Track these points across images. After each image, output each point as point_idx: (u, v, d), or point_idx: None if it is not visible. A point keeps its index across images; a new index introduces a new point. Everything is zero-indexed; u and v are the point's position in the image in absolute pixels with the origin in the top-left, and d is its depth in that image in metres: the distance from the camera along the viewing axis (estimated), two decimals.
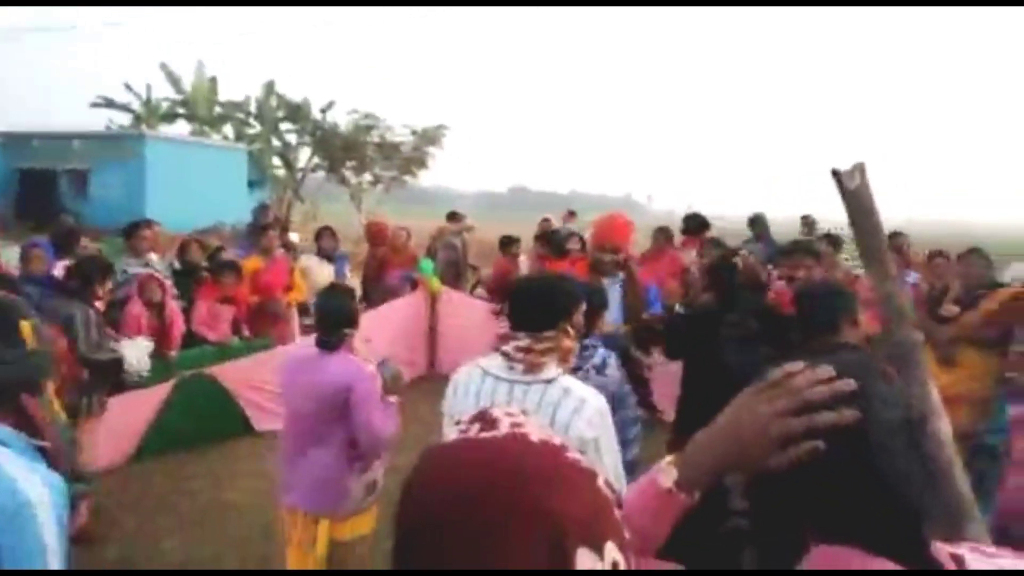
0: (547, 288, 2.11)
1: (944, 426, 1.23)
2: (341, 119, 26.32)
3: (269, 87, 26.64)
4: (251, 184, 24.59)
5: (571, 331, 2.06)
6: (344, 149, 25.67)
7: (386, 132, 25.48)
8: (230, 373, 5.42)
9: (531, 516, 0.61)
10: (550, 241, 5.10)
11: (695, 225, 7.04)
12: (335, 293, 2.93)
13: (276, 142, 27.37)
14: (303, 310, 6.28)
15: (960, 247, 4.96)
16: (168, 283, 5.31)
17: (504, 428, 0.69)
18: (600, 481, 0.69)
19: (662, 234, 7.05)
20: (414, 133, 25.82)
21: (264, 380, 5.58)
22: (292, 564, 2.75)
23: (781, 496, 0.85)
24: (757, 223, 7.58)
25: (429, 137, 26.11)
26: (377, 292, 7.22)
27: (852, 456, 0.79)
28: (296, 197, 26.93)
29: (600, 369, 2.50)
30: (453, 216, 9.49)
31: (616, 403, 2.27)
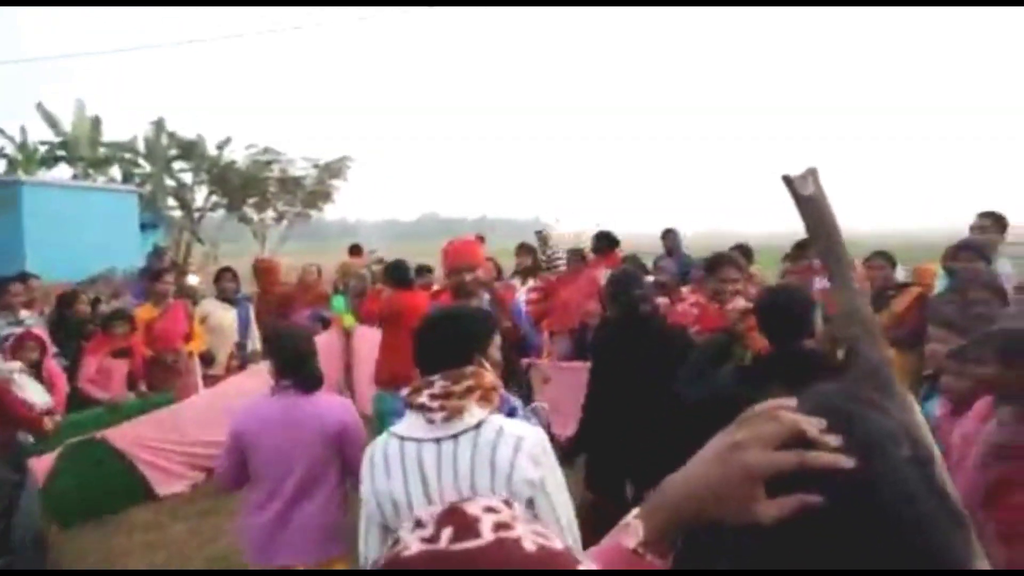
0: (454, 318, 1.92)
1: (938, 454, 1.12)
2: (238, 155, 25.43)
3: (159, 125, 25.33)
4: (144, 227, 23.19)
5: (488, 365, 1.84)
6: (244, 186, 24.73)
7: (287, 166, 24.78)
8: (124, 435, 4.92)
9: None
10: (393, 271, 4.76)
11: (605, 243, 7.04)
12: (290, 332, 2.88)
13: (169, 182, 25.99)
14: (205, 360, 5.82)
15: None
16: (47, 340, 4.78)
17: (487, 533, 0.52)
18: None
19: (575, 255, 7.02)
20: (316, 166, 25.23)
21: (165, 440, 5.13)
22: None
23: (774, 556, 0.69)
24: (668, 237, 7.68)
25: (333, 170, 25.57)
26: None
27: (863, 509, 0.64)
28: (194, 238, 25.67)
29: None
30: (356, 249, 9.19)
31: None
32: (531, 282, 6.33)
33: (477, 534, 0.52)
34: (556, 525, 1.69)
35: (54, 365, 4.70)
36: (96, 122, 24.93)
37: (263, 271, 7.54)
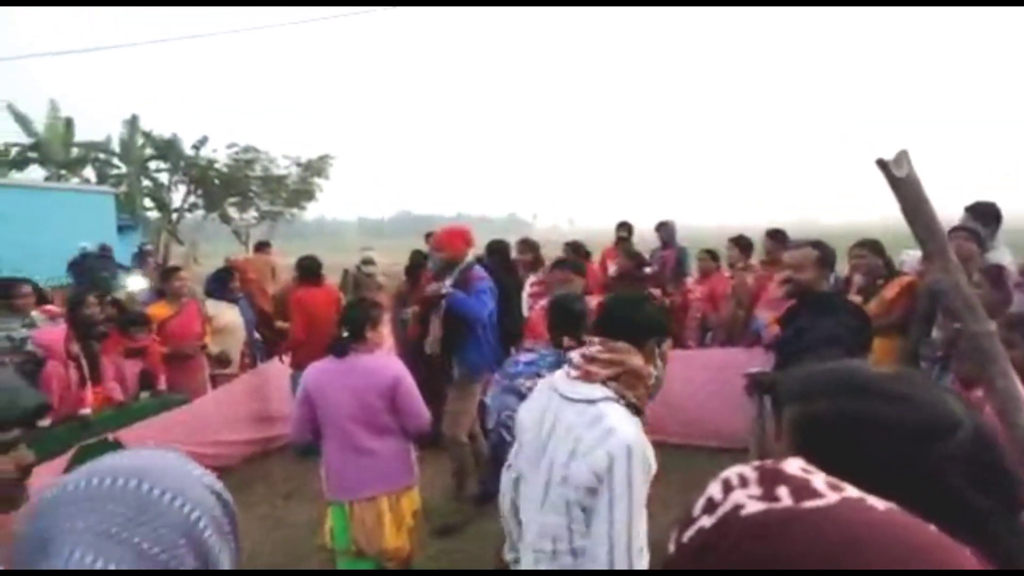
0: (639, 300, 2.12)
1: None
2: (218, 154, 25.13)
3: (132, 123, 24.94)
4: (121, 229, 22.86)
5: (646, 356, 1.91)
6: (225, 186, 24.46)
7: (269, 165, 24.56)
8: (136, 437, 4.87)
9: None
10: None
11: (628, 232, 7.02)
12: (352, 304, 3.46)
13: (146, 182, 25.66)
14: (221, 361, 5.77)
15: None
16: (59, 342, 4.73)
17: (827, 492, 0.47)
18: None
19: (571, 249, 7.15)
20: (299, 165, 25.04)
21: (177, 440, 5.09)
22: (391, 539, 3.12)
23: None
24: (664, 229, 7.75)
25: (315, 168, 25.41)
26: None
27: None
28: (173, 239, 25.35)
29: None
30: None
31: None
32: (532, 276, 6.41)
33: (818, 493, 0.46)
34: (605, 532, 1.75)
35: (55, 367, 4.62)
36: (69, 122, 24.47)
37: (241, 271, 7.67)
